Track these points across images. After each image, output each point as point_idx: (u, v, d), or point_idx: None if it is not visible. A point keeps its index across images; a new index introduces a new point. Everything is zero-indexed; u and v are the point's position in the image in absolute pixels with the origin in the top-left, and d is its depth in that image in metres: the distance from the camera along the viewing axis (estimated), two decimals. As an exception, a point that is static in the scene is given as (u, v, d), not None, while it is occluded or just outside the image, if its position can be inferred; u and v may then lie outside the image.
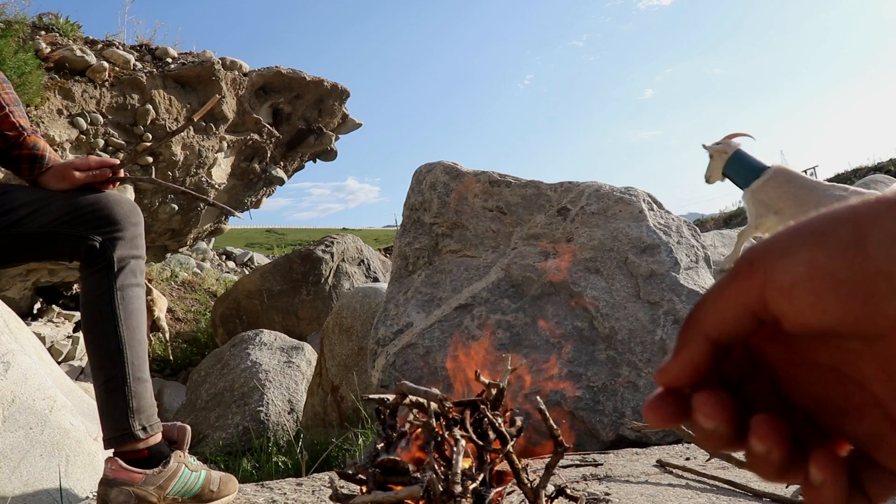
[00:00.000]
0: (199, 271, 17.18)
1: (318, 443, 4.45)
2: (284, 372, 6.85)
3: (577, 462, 2.45)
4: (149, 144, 8.03)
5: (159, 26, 10.19)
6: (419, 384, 3.04)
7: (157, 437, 1.81)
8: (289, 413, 6.39)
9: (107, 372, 1.74)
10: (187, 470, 1.85)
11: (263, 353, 7.08)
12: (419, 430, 1.40)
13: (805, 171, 30.46)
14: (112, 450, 1.77)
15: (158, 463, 1.77)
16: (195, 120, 1.76)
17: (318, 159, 12.50)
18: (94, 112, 7.87)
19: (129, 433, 1.72)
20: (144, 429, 1.76)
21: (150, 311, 11.53)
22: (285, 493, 2.18)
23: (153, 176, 8.76)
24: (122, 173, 1.88)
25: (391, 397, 1.39)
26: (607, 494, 1.96)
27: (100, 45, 8.40)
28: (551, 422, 1.31)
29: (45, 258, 1.81)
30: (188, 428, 1.92)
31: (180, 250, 13.31)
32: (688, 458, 2.45)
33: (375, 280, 10.73)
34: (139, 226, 1.86)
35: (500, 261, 3.48)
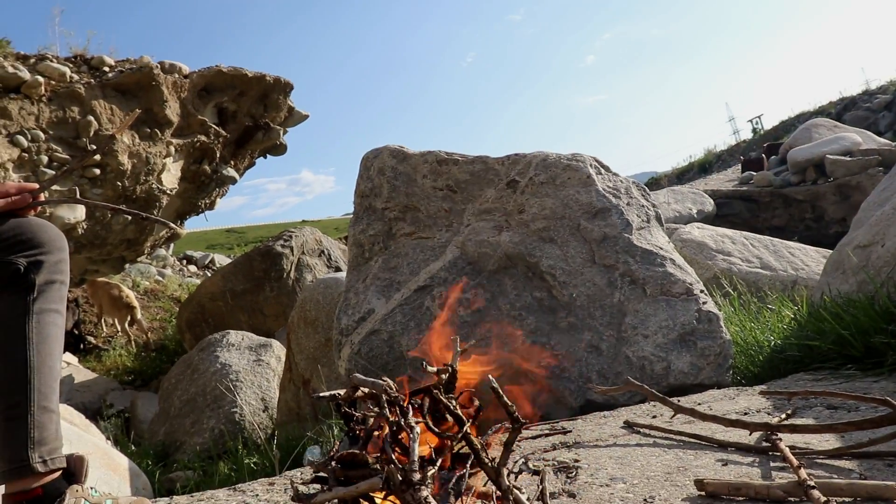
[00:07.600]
0: (160, 278, 16.95)
1: (292, 438, 4.43)
2: (255, 371, 6.81)
3: (546, 431, 2.47)
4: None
5: (92, 35, 9.84)
6: (385, 370, 3.02)
7: (57, 475, 1.66)
8: (263, 411, 6.36)
9: (9, 398, 1.59)
10: None
11: (232, 354, 7.03)
12: (379, 420, 1.40)
13: (750, 121, 31.01)
14: (4, 486, 1.60)
15: (52, 503, 1.61)
16: (116, 138, 1.72)
17: (268, 155, 12.36)
18: (34, 129, 7.64)
19: (26, 466, 1.58)
20: (44, 462, 1.61)
21: (128, 306, 11.68)
22: (257, 495, 2.17)
23: (102, 188, 8.59)
24: (42, 197, 1.82)
25: (342, 392, 1.38)
26: (576, 461, 1.98)
27: (32, 60, 8.14)
28: (505, 399, 1.31)
29: None
30: (86, 457, 1.75)
31: (139, 259, 13.09)
32: (654, 416, 2.49)
33: (338, 269, 10.69)
34: (64, 251, 1.77)
35: (454, 239, 3.47)
